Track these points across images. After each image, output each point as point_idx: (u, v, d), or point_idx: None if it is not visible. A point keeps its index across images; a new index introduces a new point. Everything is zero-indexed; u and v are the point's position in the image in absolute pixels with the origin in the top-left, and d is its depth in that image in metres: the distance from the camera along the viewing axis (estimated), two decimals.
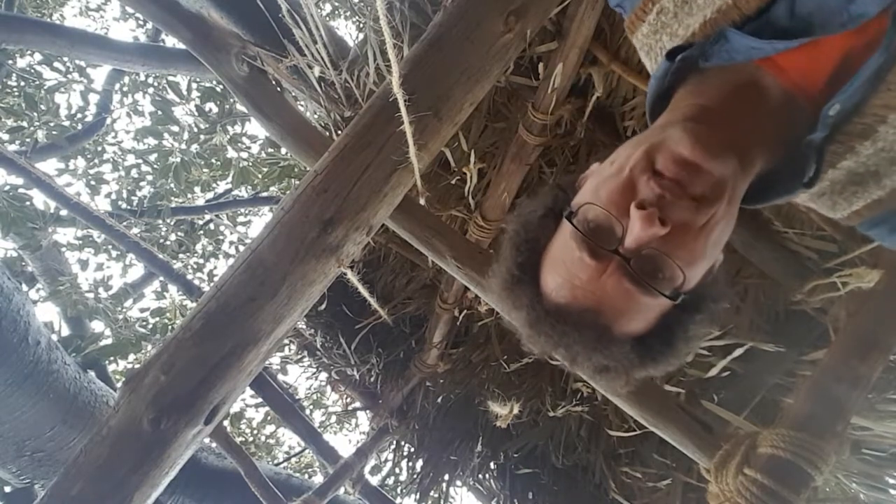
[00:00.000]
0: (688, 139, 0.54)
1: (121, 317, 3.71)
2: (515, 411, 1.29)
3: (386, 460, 3.06)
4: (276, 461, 5.77)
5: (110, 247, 4.71)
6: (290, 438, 6.07)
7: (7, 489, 2.40)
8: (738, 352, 1.51)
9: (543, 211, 0.65)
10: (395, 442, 2.55)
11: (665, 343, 0.61)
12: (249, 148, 4.27)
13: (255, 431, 5.74)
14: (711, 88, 0.61)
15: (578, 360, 0.60)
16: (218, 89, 3.50)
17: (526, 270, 0.64)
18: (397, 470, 2.64)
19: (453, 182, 1.83)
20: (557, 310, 0.59)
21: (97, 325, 3.83)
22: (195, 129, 3.44)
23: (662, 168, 0.54)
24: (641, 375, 0.63)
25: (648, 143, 0.57)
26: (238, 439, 4.25)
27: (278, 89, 1.21)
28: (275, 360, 3.05)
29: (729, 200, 0.55)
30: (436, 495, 2.47)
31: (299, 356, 2.49)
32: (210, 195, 5.23)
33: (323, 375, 2.55)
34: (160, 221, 4.54)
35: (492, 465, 2.45)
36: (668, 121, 0.62)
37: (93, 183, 4.84)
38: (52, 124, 4.02)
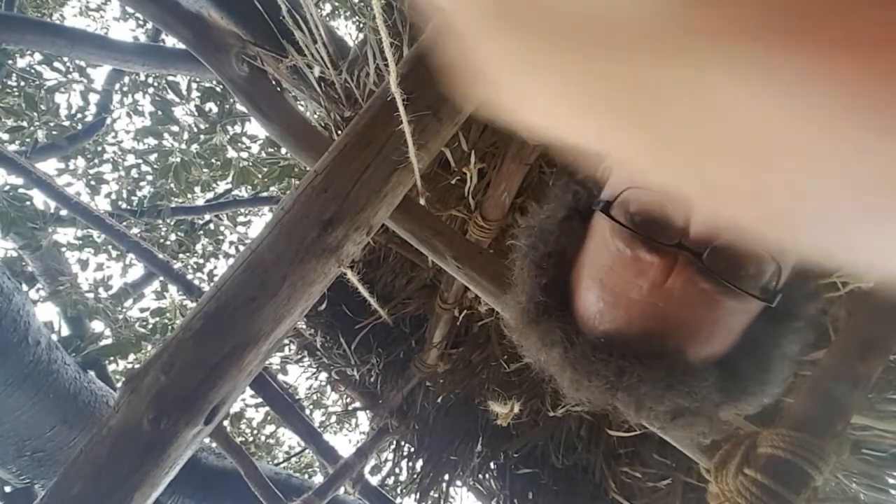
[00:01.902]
0: None
1: (121, 317, 3.70)
2: (516, 410, 1.29)
3: (386, 460, 3.06)
4: (276, 461, 5.77)
5: (110, 247, 4.70)
6: (290, 438, 6.07)
7: (7, 489, 2.40)
8: None
9: (565, 212, 0.50)
10: (395, 442, 2.55)
11: (757, 366, 0.46)
12: (249, 148, 4.28)
13: (255, 431, 5.74)
14: None
15: (646, 404, 0.45)
16: (218, 89, 3.50)
17: (553, 294, 0.49)
18: (397, 470, 2.64)
19: (453, 182, 1.82)
20: (608, 339, 0.44)
21: (97, 325, 3.83)
22: (195, 129, 3.44)
23: None
24: (729, 415, 0.48)
25: None
26: (238, 439, 4.25)
27: (278, 89, 1.21)
28: (275, 360, 3.06)
29: None
30: (436, 495, 2.47)
31: (299, 356, 2.49)
32: (210, 195, 5.23)
33: (323, 375, 2.55)
34: (160, 221, 4.54)
35: (492, 465, 2.45)
36: None
37: (93, 183, 4.83)
38: (52, 124, 4.02)
